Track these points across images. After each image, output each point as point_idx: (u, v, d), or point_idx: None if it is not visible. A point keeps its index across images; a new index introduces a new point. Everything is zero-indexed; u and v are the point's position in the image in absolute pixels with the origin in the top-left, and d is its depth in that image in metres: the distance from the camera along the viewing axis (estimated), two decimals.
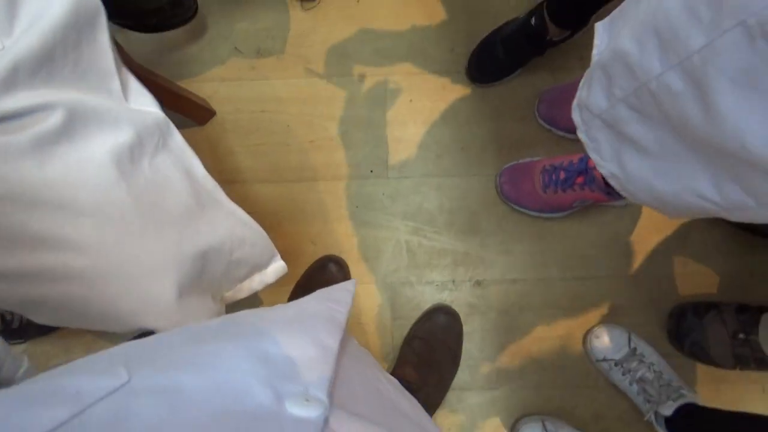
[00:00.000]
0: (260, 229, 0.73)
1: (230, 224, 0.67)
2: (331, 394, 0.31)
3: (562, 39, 0.95)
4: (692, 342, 0.93)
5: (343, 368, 0.39)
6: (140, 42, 1.06)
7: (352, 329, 1.01)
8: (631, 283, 1.00)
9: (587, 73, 0.59)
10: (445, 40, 1.07)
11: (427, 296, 1.02)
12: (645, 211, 1.01)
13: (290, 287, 0.99)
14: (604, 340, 0.95)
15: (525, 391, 0.99)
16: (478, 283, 1.01)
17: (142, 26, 0.98)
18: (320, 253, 1.01)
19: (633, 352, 0.93)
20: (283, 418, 0.27)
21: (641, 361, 0.92)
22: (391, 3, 1.07)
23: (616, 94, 0.53)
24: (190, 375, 0.29)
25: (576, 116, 0.64)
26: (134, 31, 1.00)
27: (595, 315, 1.00)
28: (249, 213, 1.02)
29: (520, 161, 1.02)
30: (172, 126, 0.59)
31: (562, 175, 0.94)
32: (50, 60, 0.45)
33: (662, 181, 0.54)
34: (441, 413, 0.97)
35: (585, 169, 0.91)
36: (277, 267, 0.83)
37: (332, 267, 0.98)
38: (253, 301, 1.02)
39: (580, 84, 0.62)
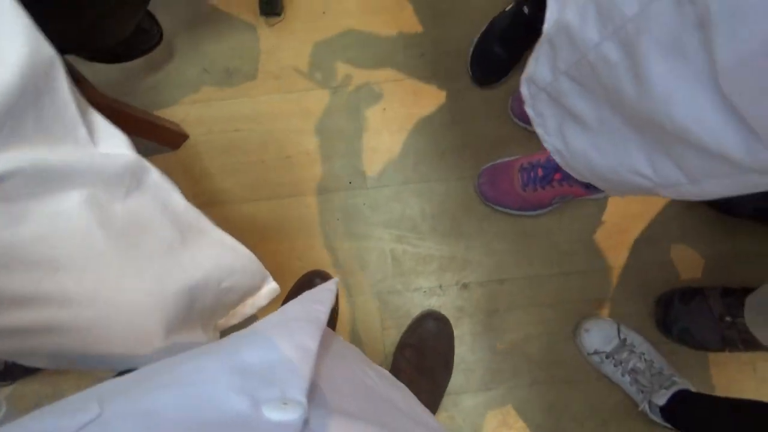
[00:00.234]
0: (249, 253, 0.73)
1: (217, 253, 0.67)
2: (310, 396, 0.31)
3: None
4: (680, 328, 0.94)
5: (327, 367, 0.39)
6: (107, 71, 1.05)
7: None
8: (617, 275, 1.01)
9: (536, 46, 0.58)
10: (413, 45, 1.07)
11: (416, 303, 1.01)
12: (624, 201, 1.02)
13: (276, 306, 0.98)
14: (593, 333, 0.95)
15: (520, 390, 0.99)
16: (465, 286, 1.01)
17: (107, 57, 0.97)
18: (307, 268, 1.00)
19: (623, 343, 0.94)
20: (260, 424, 0.27)
21: (632, 352, 0.93)
22: (357, 12, 1.07)
23: (559, 67, 0.53)
24: (165, 395, 0.29)
25: (524, 89, 0.64)
26: (100, 62, 0.99)
27: (583, 309, 1.00)
28: (231, 235, 1.02)
29: (498, 161, 1.02)
30: (146, 164, 0.58)
31: (540, 172, 0.95)
32: (10, 118, 0.45)
33: (601, 157, 0.54)
34: (439, 419, 0.97)
35: None
36: (269, 289, 0.82)
37: (318, 282, 0.98)
38: (247, 319, 1.01)
39: (530, 57, 0.61)
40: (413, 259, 1.02)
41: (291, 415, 0.27)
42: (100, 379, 0.35)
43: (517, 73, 1.02)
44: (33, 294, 0.48)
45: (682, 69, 0.37)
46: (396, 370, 0.96)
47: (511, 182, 0.99)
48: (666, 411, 0.87)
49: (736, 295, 0.91)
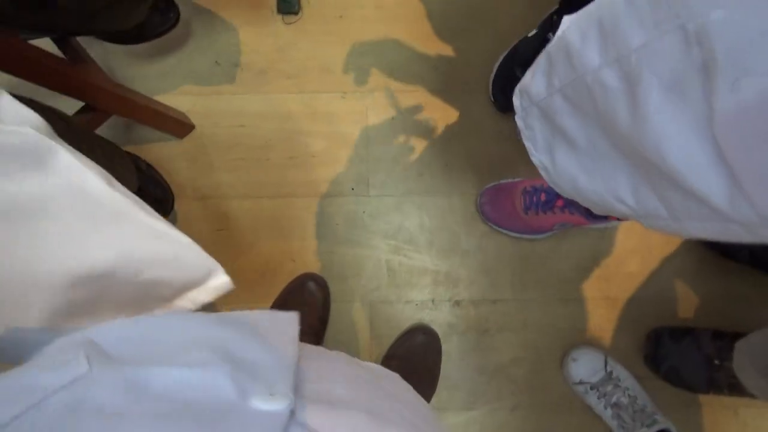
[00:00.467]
0: (189, 241, 0.67)
1: (138, 242, 0.63)
2: (296, 389, 0.31)
3: None
4: (668, 367, 0.94)
5: (314, 362, 0.39)
6: (118, 54, 1.04)
7: (329, 347, 1.00)
8: (610, 306, 1.01)
9: (536, 60, 0.57)
10: (428, 58, 1.06)
11: (407, 315, 1.01)
12: (624, 234, 1.02)
13: (267, 305, 0.98)
14: (580, 363, 0.95)
15: (502, 412, 0.99)
16: (458, 303, 1.01)
17: (120, 38, 0.97)
18: (300, 270, 1.00)
19: (609, 375, 0.94)
20: (247, 412, 0.27)
21: (617, 386, 0.93)
22: (374, 20, 1.06)
23: (554, 84, 0.52)
24: (156, 370, 0.28)
25: (516, 100, 0.63)
26: (112, 43, 0.98)
27: (572, 337, 1.00)
28: (226, 229, 1.02)
29: (501, 182, 1.02)
30: (53, 145, 0.55)
31: (543, 197, 0.94)
32: None
33: (586, 178, 0.54)
34: None
35: None
36: (219, 283, 0.76)
37: (311, 285, 0.98)
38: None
39: (528, 69, 0.60)
40: (408, 272, 1.02)
41: (277, 405, 0.27)
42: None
43: None
44: None
45: (679, 109, 0.36)
46: None
47: (513, 204, 0.98)
48: None
49: (726, 339, 0.90)
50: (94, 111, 0.86)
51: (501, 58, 1.02)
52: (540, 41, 0.96)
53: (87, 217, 0.57)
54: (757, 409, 0.97)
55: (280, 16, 1.05)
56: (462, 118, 1.05)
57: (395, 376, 0.50)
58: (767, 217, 0.34)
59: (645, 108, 0.38)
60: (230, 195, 1.03)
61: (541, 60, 0.55)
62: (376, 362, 0.98)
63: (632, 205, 0.48)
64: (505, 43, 1.01)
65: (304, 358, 0.40)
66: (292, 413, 0.28)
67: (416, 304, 1.01)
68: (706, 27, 0.31)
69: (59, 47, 0.82)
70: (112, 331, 0.35)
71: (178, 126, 1.01)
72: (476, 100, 1.05)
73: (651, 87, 0.37)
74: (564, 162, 0.56)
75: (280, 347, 0.36)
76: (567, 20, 0.56)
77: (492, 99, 1.03)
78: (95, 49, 1.01)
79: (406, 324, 1.00)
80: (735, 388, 0.89)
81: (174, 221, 1.01)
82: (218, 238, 1.02)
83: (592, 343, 0.99)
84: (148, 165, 0.98)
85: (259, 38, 1.06)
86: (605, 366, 0.95)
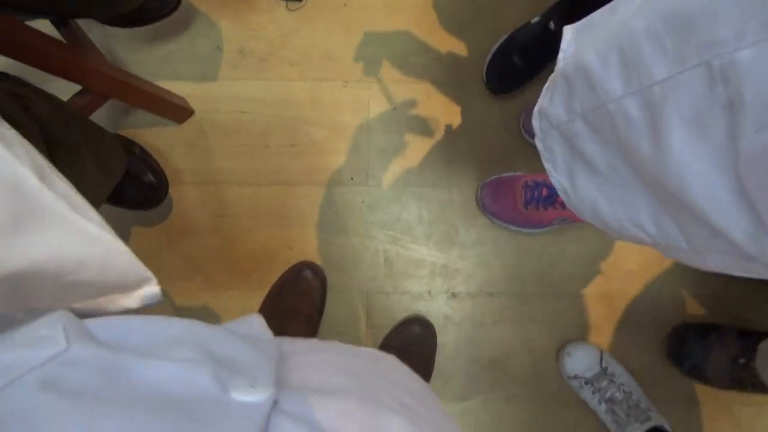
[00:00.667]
0: (125, 249, 0.64)
1: (68, 243, 0.59)
2: (282, 380, 0.31)
3: None
4: (692, 365, 0.94)
5: (302, 352, 0.39)
6: (118, 37, 1.03)
7: (325, 337, 1.00)
8: (607, 303, 1.00)
9: (551, 79, 0.56)
10: (432, 49, 1.05)
11: (403, 306, 1.01)
12: None
13: (263, 292, 0.98)
14: (575, 358, 0.95)
15: (496, 403, 0.99)
16: (454, 295, 1.01)
17: (120, 21, 0.96)
18: (296, 258, 1.00)
19: (604, 371, 0.94)
20: (228, 404, 0.27)
21: (612, 381, 0.93)
22: (379, 8, 1.05)
23: (575, 109, 0.51)
24: (138, 359, 0.28)
25: (535, 123, 0.62)
26: (112, 26, 0.97)
27: (569, 332, 1.00)
28: (224, 215, 1.02)
29: (503, 175, 1.02)
30: None
31: (545, 192, 0.94)
32: None
33: (606, 204, 0.53)
34: None
35: None
36: (148, 293, 0.73)
37: (308, 274, 0.97)
38: (225, 309, 1.01)
39: (543, 89, 0.59)
40: (405, 263, 1.02)
41: (258, 396, 0.27)
42: None
43: (533, 87, 1.02)
44: None
45: (702, 145, 0.35)
46: None
47: (514, 198, 0.98)
48: None
49: (753, 338, 0.90)
50: (91, 94, 0.85)
51: (499, 42, 1.02)
52: (541, 28, 0.95)
53: (11, 213, 0.54)
54: (752, 407, 0.97)
55: (283, 3, 1.04)
56: (464, 111, 1.04)
57: (392, 359, 0.49)
58: None
59: (667, 141, 0.37)
60: (229, 181, 1.02)
61: (558, 83, 0.54)
62: None
63: (653, 234, 0.48)
64: None
65: (294, 351, 0.40)
66: (276, 403, 0.28)
67: (413, 296, 1.01)
68: (734, 65, 0.30)
69: (58, 30, 0.81)
70: (94, 322, 0.34)
71: (178, 111, 1.00)
72: (479, 92, 1.04)
73: (674, 120, 0.36)
74: (584, 186, 0.56)
75: (261, 344, 0.36)
76: (568, 31, 0.55)
77: (485, 80, 1.03)
78: (95, 31, 1.00)
79: (402, 315, 1.00)
80: (758, 387, 0.89)
81: (170, 207, 1.01)
82: (216, 225, 1.01)
83: (588, 339, 0.99)
84: (143, 150, 0.97)
85: (262, 24, 1.05)
86: (600, 361, 0.95)
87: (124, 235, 1.00)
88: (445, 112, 1.04)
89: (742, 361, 0.90)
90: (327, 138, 1.03)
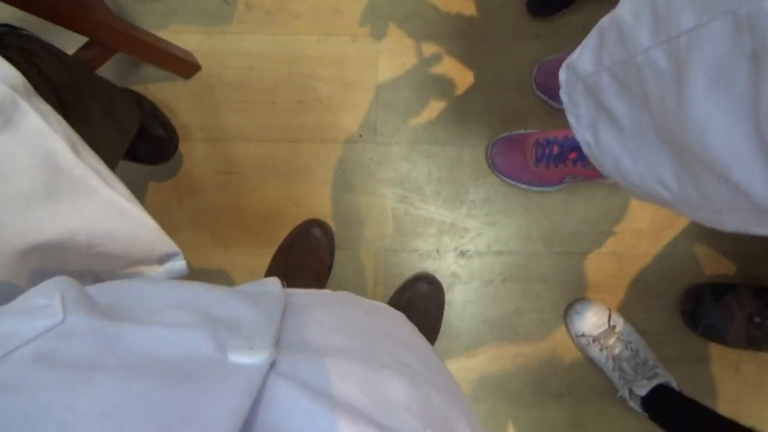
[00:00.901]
0: (153, 224, 0.65)
1: (98, 215, 0.60)
2: (283, 342, 0.31)
3: None
4: (707, 325, 0.94)
5: (307, 309, 0.39)
6: None
7: None
8: (617, 261, 1.00)
9: (589, 34, 0.56)
10: (444, 4, 1.02)
11: (411, 264, 1.01)
12: None
13: (272, 249, 0.98)
14: (584, 316, 0.95)
15: (502, 360, 1.00)
16: (463, 254, 1.01)
17: None
18: (303, 215, 1.00)
19: (612, 329, 0.94)
20: (224, 365, 0.26)
21: (619, 339, 0.93)
22: None
23: (603, 62, 0.51)
24: (134, 326, 0.28)
25: (562, 75, 0.62)
26: None
27: (577, 291, 1.00)
28: (232, 173, 1.01)
29: (514, 133, 1.00)
30: (22, 105, 0.53)
31: (556, 149, 0.92)
32: None
33: (629, 160, 0.53)
34: None
35: (579, 145, 0.89)
36: (175, 267, 0.75)
37: (316, 231, 0.97)
38: (234, 266, 1.02)
39: (579, 46, 0.59)
40: (413, 221, 1.01)
41: (256, 358, 0.27)
42: None
43: (570, 14, 0.99)
44: None
45: (724, 96, 0.35)
46: None
47: (524, 156, 0.96)
48: (646, 402, 0.88)
49: None
50: (98, 47, 0.84)
51: None
52: None
53: (47, 184, 0.54)
54: (757, 365, 0.97)
55: None
56: (476, 69, 1.02)
57: (400, 317, 0.50)
58: None
59: (691, 93, 0.37)
60: (236, 138, 1.02)
61: (592, 36, 0.54)
62: None
63: (674, 191, 0.48)
64: None
65: (303, 305, 0.40)
66: (274, 365, 0.27)
67: (421, 254, 1.01)
68: (760, 13, 0.30)
69: None
70: (95, 286, 0.35)
71: (185, 66, 0.99)
72: (491, 46, 1.01)
73: (698, 72, 0.36)
74: (607, 141, 0.56)
75: (267, 304, 0.36)
76: None
77: (527, 2, 1.01)
78: None
79: (410, 273, 1.00)
80: None
81: (179, 163, 1.01)
82: (223, 182, 1.01)
83: (597, 298, 0.99)
84: (152, 104, 0.97)
85: None
86: (608, 320, 0.94)
87: (136, 191, 1.00)
88: (456, 70, 1.02)
89: (757, 320, 0.89)
90: (335, 94, 1.02)
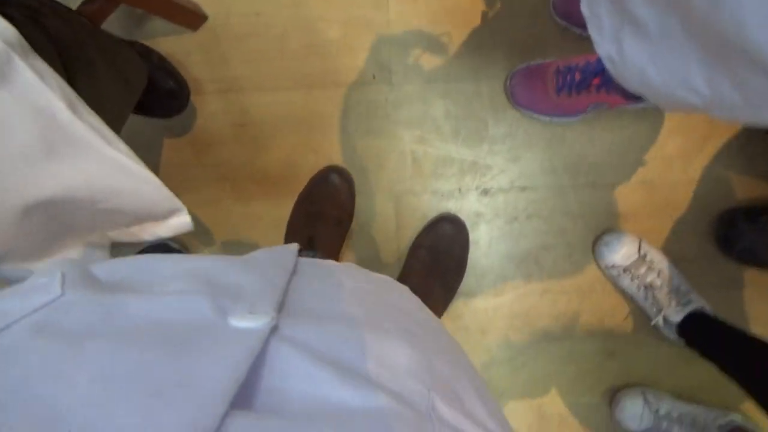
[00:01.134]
0: (155, 180, 0.65)
1: (98, 171, 0.59)
2: (286, 307, 0.31)
3: None
4: (743, 248, 0.91)
5: (311, 278, 0.39)
6: None
7: (356, 240, 1.01)
8: (646, 190, 0.97)
9: None
10: None
11: (433, 206, 1.00)
12: (665, 114, 0.96)
13: (292, 199, 0.97)
14: (613, 247, 0.93)
15: (530, 297, 0.99)
16: (485, 192, 0.99)
17: None
18: (322, 162, 0.98)
19: (643, 258, 0.92)
20: (224, 329, 0.26)
21: (650, 268, 0.91)
22: None
23: None
24: (134, 295, 0.28)
25: None
26: None
27: (606, 222, 0.97)
28: (247, 124, 1.00)
29: (532, 63, 0.96)
30: (17, 62, 0.52)
31: (578, 76, 0.88)
32: None
33: (656, 69, 0.51)
34: (447, 318, 0.98)
35: (603, 70, 0.85)
36: (179, 223, 0.73)
37: (335, 177, 0.96)
38: (257, 217, 1.01)
39: None
40: (433, 161, 0.99)
41: (256, 322, 0.27)
42: None
43: None
44: None
45: None
46: (408, 270, 0.96)
47: (545, 86, 0.93)
48: (681, 328, 0.87)
49: None
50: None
51: None
52: None
53: (45, 141, 0.53)
54: None
55: None
56: None
57: (404, 290, 0.50)
58: None
59: None
60: (249, 88, 1.00)
61: None
62: (402, 254, 0.99)
63: (706, 95, 0.46)
64: None
65: (310, 275, 0.40)
66: (276, 329, 0.27)
67: (442, 195, 1.00)
68: None
69: None
70: (98, 264, 0.35)
71: (191, 16, 0.96)
72: None
73: None
74: (633, 52, 0.54)
75: (270, 272, 0.36)
76: None
77: None
78: None
79: (432, 215, 0.99)
80: None
81: (192, 116, 1.00)
82: (239, 134, 1.00)
83: (626, 228, 0.97)
84: (160, 56, 0.95)
85: None
86: (639, 249, 0.92)
87: (153, 148, 1.00)
88: (469, 1, 0.97)
89: None
90: (345, 36, 0.99)
